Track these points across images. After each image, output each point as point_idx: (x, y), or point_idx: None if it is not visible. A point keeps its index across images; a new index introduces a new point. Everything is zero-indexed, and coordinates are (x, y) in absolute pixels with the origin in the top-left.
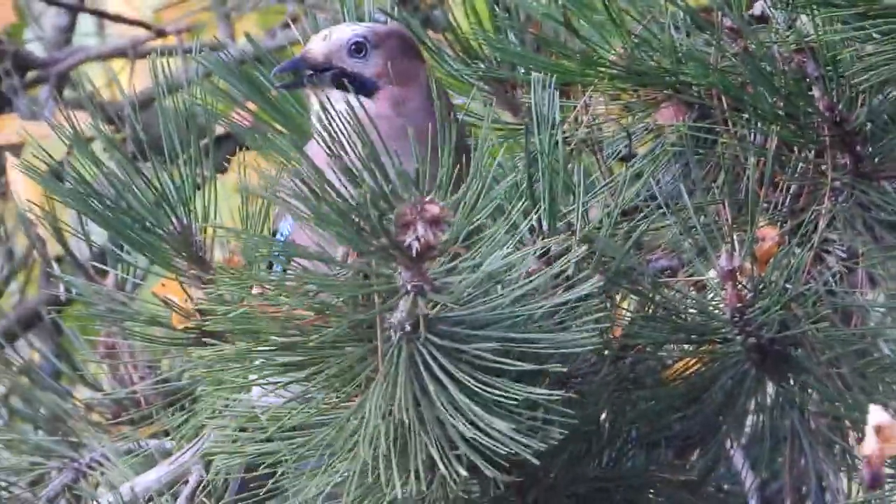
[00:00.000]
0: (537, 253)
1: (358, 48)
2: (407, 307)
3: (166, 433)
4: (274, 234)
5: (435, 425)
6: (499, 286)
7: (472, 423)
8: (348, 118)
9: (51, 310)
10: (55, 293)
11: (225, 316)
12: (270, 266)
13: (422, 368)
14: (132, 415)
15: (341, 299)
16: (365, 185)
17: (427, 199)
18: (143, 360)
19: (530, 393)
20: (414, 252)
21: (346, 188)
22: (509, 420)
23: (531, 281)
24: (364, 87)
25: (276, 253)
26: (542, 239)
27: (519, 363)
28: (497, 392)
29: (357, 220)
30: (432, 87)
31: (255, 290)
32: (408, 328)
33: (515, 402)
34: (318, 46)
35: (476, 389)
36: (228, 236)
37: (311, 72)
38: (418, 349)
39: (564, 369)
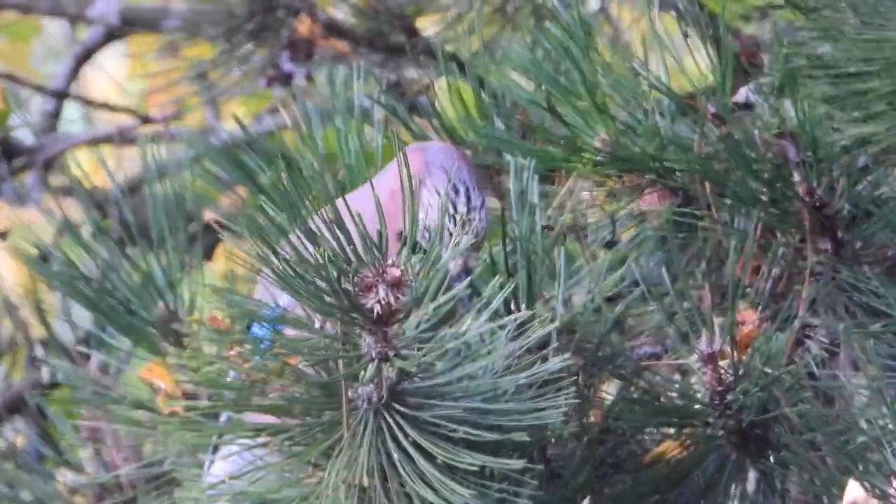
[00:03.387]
0: (515, 323)
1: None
2: (371, 374)
3: None
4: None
5: (400, 496)
6: (469, 358)
7: (438, 493)
8: None
9: (35, 394)
10: (39, 377)
11: (198, 371)
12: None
13: (387, 437)
14: (116, 500)
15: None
16: (325, 245)
17: (389, 262)
18: (127, 443)
19: (488, 461)
20: (375, 315)
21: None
22: (476, 491)
23: (503, 354)
24: None
25: (258, 318)
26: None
27: (485, 434)
28: (463, 461)
29: (317, 280)
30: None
31: (231, 351)
32: (374, 397)
33: (481, 474)
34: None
35: (443, 460)
36: (216, 294)
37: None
38: (384, 417)
39: (527, 438)
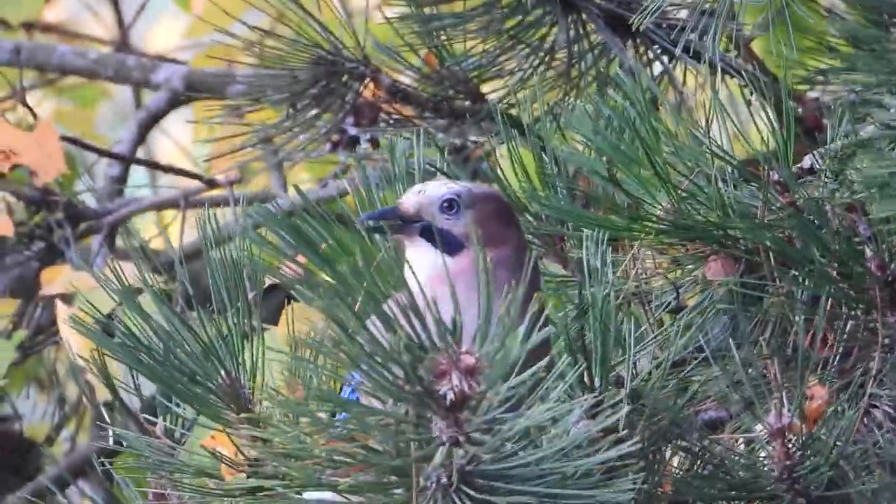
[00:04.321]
0: (583, 407)
1: (450, 205)
2: (442, 458)
3: None
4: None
5: None
6: (542, 440)
7: None
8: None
9: (102, 459)
10: (105, 444)
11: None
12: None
13: None
14: None
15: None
16: (400, 331)
17: (463, 349)
18: None
19: None
20: (448, 402)
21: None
22: None
23: (574, 436)
24: (451, 244)
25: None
26: (592, 395)
27: None
28: None
29: (391, 366)
30: (524, 255)
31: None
32: (443, 480)
33: None
34: (410, 199)
35: None
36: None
37: (401, 222)
38: (453, 500)
39: None
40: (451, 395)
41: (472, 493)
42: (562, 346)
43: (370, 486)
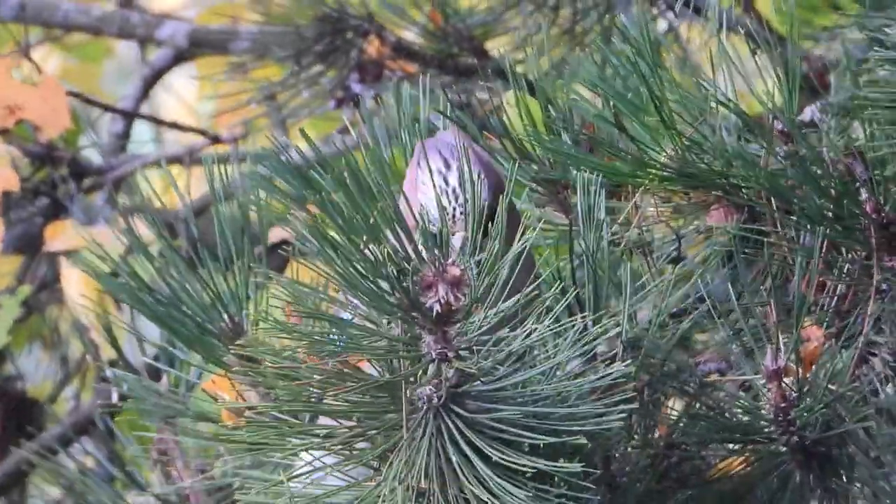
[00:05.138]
0: (575, 330)
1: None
2: (431, 374)
3: None
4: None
5: (458, 499)
6: (532, 361)
7: (495, 497)
8: None
9: (104, 412)
10: (108, 400)
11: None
12: None
13: (446, 439)
14: None
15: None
16: (385, 242)
17: (449, 260)
18: (196, 461)
19: (546, 465)
20: (434, 314)
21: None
22: (535, 496)
23: (567, 356)
24: None
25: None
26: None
27: (544, 437)
28: (522, 464)
29: (377, 278)
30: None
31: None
32: (434, 398)
33: (540, 478)
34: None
35: (501, 462)
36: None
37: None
38: (443, 419)
39: (585, 442)
40: (437, 307)
41: (462, 412)
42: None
43: (360, 407)
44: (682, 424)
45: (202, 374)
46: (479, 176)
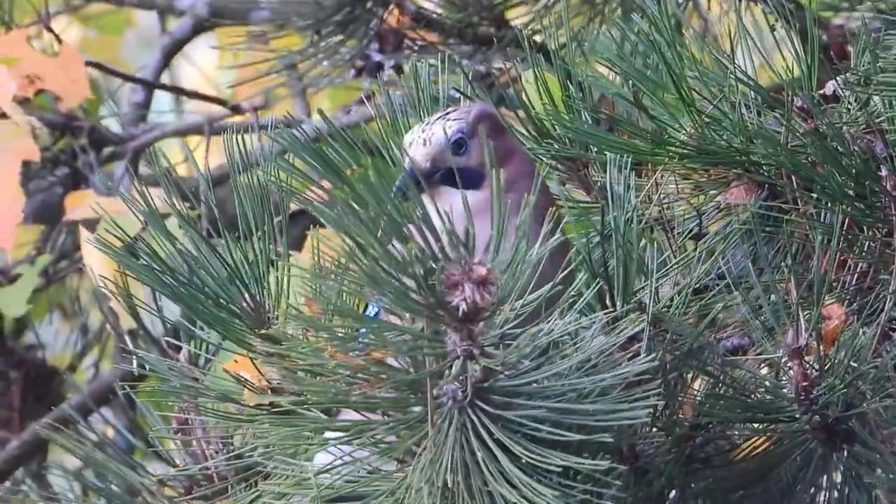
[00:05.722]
0: (600, 323)
1: (459, 144)
2: (456, 371)
3: None
4: (365, 309)
5: (483, 494)
6: (558, 357)
7: (520, 493)
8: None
9: (124, 385)
10: (129, 368)
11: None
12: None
13: (471, 435)
14: (205, 490)
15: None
16: (413, 242)
17: (475, 260)
18: (217, 435)
19: (574, 462)
20: (461, 313)
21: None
22: (559, 492)
23: (591, 352)
24: (471, 180)
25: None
26: (610, 312)
27: (569, 434)
28: (547, 462)
29: (404, 278)
30: (532, 167)
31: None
32: (459, 395)
33: (565, 474)
34: (420, 154)
35: (526, 459)
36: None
37: (422, 181)
38: (468, 415)
39: (611, 440)
40: (463, 307)
41: (487, 408)
42: (583, 270)
43: (387, 403)
44: (706, 405)
45: (217, 351)
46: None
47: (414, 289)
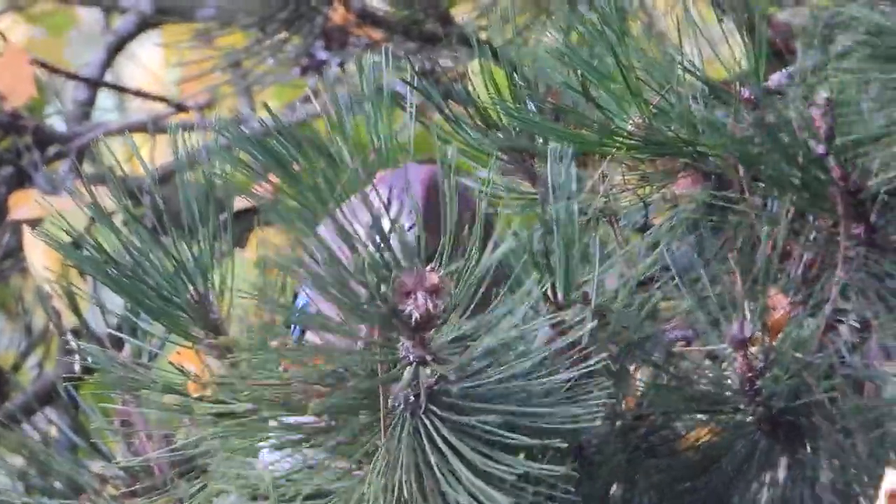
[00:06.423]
0: (547, 323)
1: None
2: (409, 378)
3: (181, 502)
4: (295, 298)
5: (437, 498)
6: (509, 357)
7: (473, 497)
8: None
9: (67, 383)
10: (71, 365)
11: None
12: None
13: (424, 440)
14: (146, 485)
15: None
16: (365, 251)
17: (427, 267)
18: (159, 430)
19: (531, 467)
20: (414, 321)
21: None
22: (511, 495)
23: (540, 353)
24: None
25: (294, 321)
26: (556, 309)
27: (523, 437)
28: (500, 466)
29: (356, 287)
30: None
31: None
32: (410, 399)
33: (517, 477)
34: None
35: (478, 463)
36: (249, 299)
37: None
38: (421, 421)
39: (565, 445)
40: (416, 315)
41: (440, 412)
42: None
43: (339, 409)
44: (649, 396)
45: (164, 344)
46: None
47: (366, 297)
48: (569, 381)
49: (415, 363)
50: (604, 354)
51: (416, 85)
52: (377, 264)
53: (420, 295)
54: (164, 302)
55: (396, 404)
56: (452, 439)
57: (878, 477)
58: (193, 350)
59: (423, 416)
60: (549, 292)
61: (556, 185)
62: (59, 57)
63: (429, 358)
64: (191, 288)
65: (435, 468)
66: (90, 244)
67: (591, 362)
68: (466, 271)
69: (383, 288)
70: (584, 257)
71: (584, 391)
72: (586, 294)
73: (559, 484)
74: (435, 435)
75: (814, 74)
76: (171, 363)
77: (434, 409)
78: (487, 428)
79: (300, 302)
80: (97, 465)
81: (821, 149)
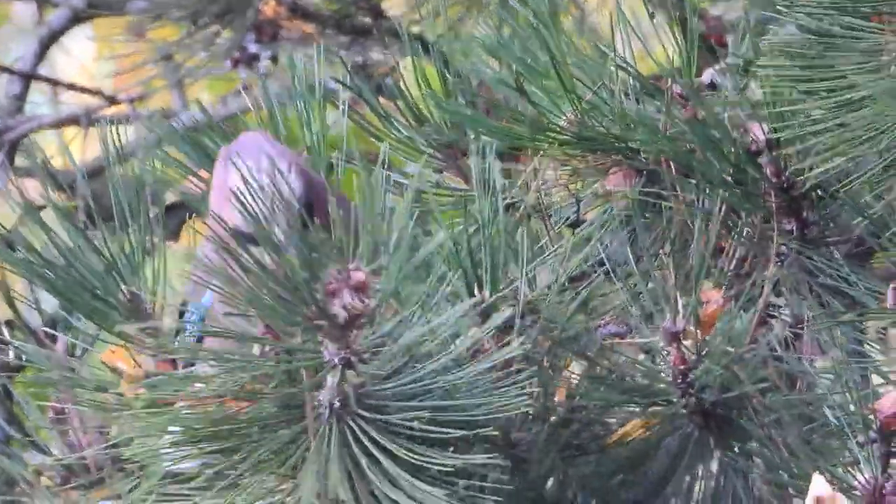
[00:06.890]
0: (463, 311)
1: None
2: (335, 382)
3: (119, 498)
4: (182, 314)
5: (371, 501)
6: (430, 352)
7: (408, 494)
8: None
9: (1, 375)
10: (5, 359)
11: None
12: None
13: (353, 444)
14: (82, 480)
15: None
16: (291, 253)
17: (352, 265)
18: (93, 425)
19: (460, 459)
20: (341, 321)
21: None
22: (445, 489)
23: (460, 346)
24: None
25: (189, 336)
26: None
27: (450, 431)
28: (431, 461)
29: (282, 290)
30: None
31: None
32: (336, 404)
33: (450, 471)
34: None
35: (410, 461)
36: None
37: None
38: (349, 424)
39: (495, 432)
40: (343, 314)
41: (366, 413)
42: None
43: (265, 417)
44: (581, 389)
45: (94, 341)
46: (290, 171)
47: (292, 300)
48: (490, 370)
49: (340, 366)
50: (524, 338)
51: (347, 83)
52: (306, 262)
53: (346, 293)
54: (96, 300)
55: (323, 409)
56: (382, 440)
57: (810, 468)
58: (125, 348)
59: (350, 419)
60: (476, 289)
61: (481, 180)
62: None
63: (353, 359)
64: (122, 286)
65: (367, 470)
66: (21, 242)
67: (512, 347)
68: (391, 268)
69: (310, 286)
70: (515, 254)
71: (510, 380)
72: (515, 290)
73: (490, 475)
74: (363, 437)
75: (746, 69)
76: (103, 362)
77: (360, 411)
78: (415, 425)
79: (194, 310)
80: (33, 457)
81: (754, 146)
